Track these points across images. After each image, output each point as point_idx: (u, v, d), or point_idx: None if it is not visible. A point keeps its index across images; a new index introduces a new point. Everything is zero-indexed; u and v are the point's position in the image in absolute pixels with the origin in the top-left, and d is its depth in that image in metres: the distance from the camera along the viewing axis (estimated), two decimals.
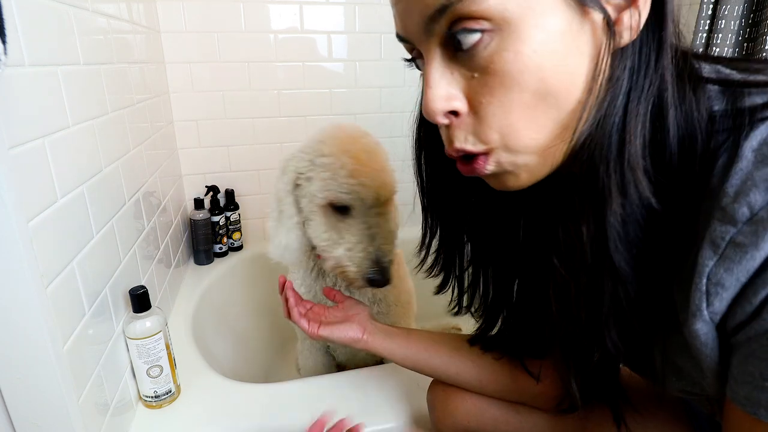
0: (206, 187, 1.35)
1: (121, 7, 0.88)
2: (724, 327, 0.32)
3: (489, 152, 0.36)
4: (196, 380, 0.85)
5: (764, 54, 0.98)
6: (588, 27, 0.33)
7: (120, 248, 0.76)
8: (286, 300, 0.72)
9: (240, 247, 1.42)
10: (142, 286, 0.74)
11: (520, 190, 0.40)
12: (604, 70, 0.33)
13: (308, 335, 0.68)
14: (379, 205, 0.74)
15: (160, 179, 1.07)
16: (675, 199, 0.34)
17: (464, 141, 0.36)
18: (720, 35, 1.03)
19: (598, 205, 0.35)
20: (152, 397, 0.76)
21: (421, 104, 0.38)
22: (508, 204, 0.51)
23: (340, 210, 0.73)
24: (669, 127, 0.34)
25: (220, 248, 1.36)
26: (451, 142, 0.37)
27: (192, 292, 1.17)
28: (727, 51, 1.03)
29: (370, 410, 0.77)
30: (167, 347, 0.77)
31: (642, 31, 0.33)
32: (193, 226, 1.29)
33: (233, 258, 1.38)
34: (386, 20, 1.42)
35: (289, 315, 0.71)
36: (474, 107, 0.35)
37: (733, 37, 1.02)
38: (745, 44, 1.03)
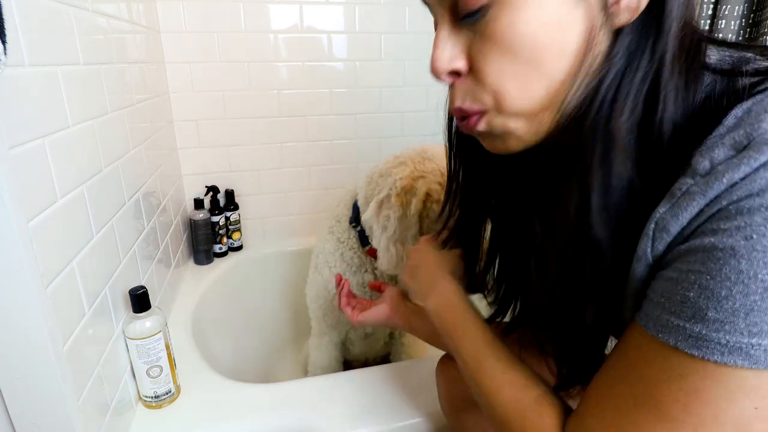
0: (206, 187, 1.35)
1: (120, 7, 0.88)
2: (659, 265, 0.34)
3: (483, 113, 0.40)
4: (196, 380, 0.85)
5: None
6: (583, 4, 0.34)
7: (120, 248, 0.76)
8: (342, 294, 0.86)
9: (240, 247, 1.42)
10: (142, 286, 0.74)
11: (527, 165, 0.44)
12: (596, 47, 0.35)
13: (351, 321, 0.81)
14: None
15: (160, 179, 1.07)
16: (661, 177, 0.35)
17: (462, 100, 0.40)
18: (720, 35, 1.03)
19: (581, 176, 0.37)
20: (152, 397, 0.76)
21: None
22: (519, 182, 0.52)
23: None
24: (660, 109, 0.35)
25: (220, 248, 1.36)
26: (452, 101, 0.41)
27: (192, 292, 1.17)
28: None
29: (370, 410, 0.77)
30: (167, 347, 0.77)
31: (642, 13, 0.34)
32: (193, 226, 1.29)
33: (233, 258, 1.38)
34: (386, 20, 1.43)
35: (340, 304, 0.86)
36: (473, 69, 0.38)
37: (734, 37, 1.02)
38: None
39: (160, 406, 0.78)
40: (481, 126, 0.40)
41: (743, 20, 1.01)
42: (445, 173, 0.76)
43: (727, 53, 0.37)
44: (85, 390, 0.60)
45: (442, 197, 0.76)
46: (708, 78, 0.36)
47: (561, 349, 0.49)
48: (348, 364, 1.19)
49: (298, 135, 1.41)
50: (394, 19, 1.38)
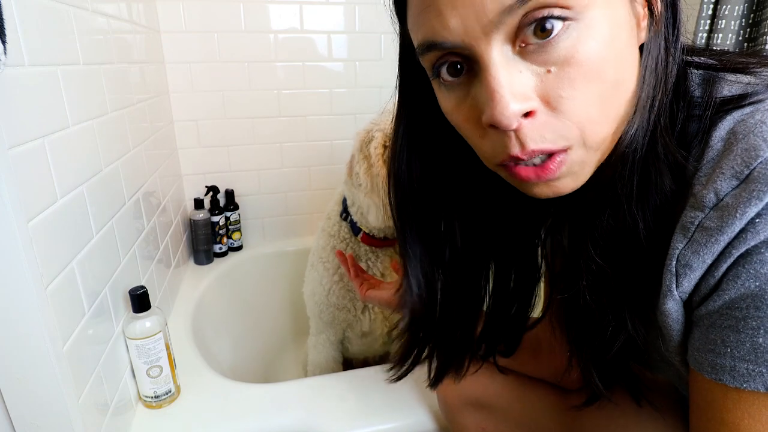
0: (206, 187, 1.35)
1: (120, 7, 0.88)
2: (690, 303, 0.35)
3: (567, 150, 0.34)
4: (196, 380, 0.85)
5: (764, 54, 0.98)
6: (631, 14, 0.33)
7: (120, 248, 0.76)
8: (349, 265, 0.85)
9: (240, 247, 1.42)
10: (142, 286, 0.74)
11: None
12: (647, 60, 0.34)
13: (359, 294, 0.80)
14: None
15: (160, 179, 1.07)
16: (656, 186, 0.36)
17: (541, 141, 0.33)
18: (720, 35, 1.03)
19: (638, 197, 0.36)
20: (152, 397, 0.76)
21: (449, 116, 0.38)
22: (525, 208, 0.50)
23: None
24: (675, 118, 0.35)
25: (220, 248, 1.36)
26: (522, 145, 0.33)
27: (192, 292, 1.17)
28: None
29: (370, 410, 0.77)
30: (167, 347, 0.77)
31: (662, 26, 0.34)
32: (193, 226, 1.29)
33: (233, 258, 1.38)
34: (386, 20, 1.42)
35: (350, 274, 0.85)
36: (551, 104, 0.32)
37: (733, 37, 1.02)
38: (746, 44, 1.03)
39: (160, 406, 0.78)
40: (565, 168, 0.34)
41: (743, 20, 1.01)
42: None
43: (708, 61, 0.38)
44: (85, 390, 0.60)
45: None
46: (691, 81, 0.37)
47: (594, 364, 0.47)
48: (348, 363, 1.19)
49: (298, 135, 1.41)
50: (394, 19, 1.38)
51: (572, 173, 0.35)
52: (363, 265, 0.97)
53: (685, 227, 0.33)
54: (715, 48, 0.38)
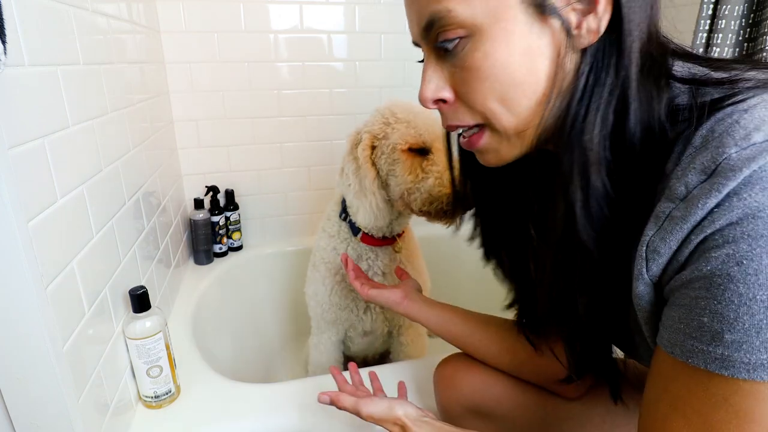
0: (206, 187, 1.35)
1: (121, 7, 0.88)
2: (660, 287, 0.37)
3: (482, 129, 0.45)
4: (196, 380, 0.85)
5: (764, 54, 0.98)
6: (548, 31, 0.38)
7: (120, 248, 0.76)
8: (349, 268, 0.86)
9: (240, 247, 1.42)
10: (142, 286, 0.74)
11: (520, 175, 0.49)
12: (565, 67, 0.39)
13: (360, 294, 0.81)
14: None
15: (160, 179, 1.06)
16: (636, 182, 0.39)
17: (453, 119, 0.45)
18: (720, 35, 1.03)
19: (565, 186, 0.41)
20: (152, 397, 0.76)
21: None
22: (519, 189, 0.56)
23: (419, 152, 0.84)
24: (630, 120, 0.38)
25: (220, 248, 1.36)
26: (444, 121, 0.47)
27: (192, 292, 1.17)
28: (727, 51, 1.03)
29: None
30: (167, 347, 0.77)
31: (604, 34, 0.38)
32: (193, 226, 1.29)
33: (233, 258, 1.38)
34: (386, 20, 1.43)
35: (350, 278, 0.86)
36: (459, 96, 0.44)
37: (734, 37, 1.02)
38: (746, 44, 1.03)
39: (160, 406, 0.78)
40: (481, 143, 0.45)
41: (743, 20, 1.01)
42: (387, 116, 0.86)
43: (694, 69, 0.40)
44: (85, 390, 0.60)
45: (385, 133, 0.86)
46: (675, 90, 0.39)
47: (568, 343, 0.53)
48: (349, 361, 1.19)
49: (298, 135, 1.41)
50: (394, 19, 1.38)
51: (493, 150, 0.45)
52: (364, 265, 0.98)
53: (657, 216, 0.36)
54: (698, 53, 0.42)
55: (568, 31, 0.38)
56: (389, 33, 1.39)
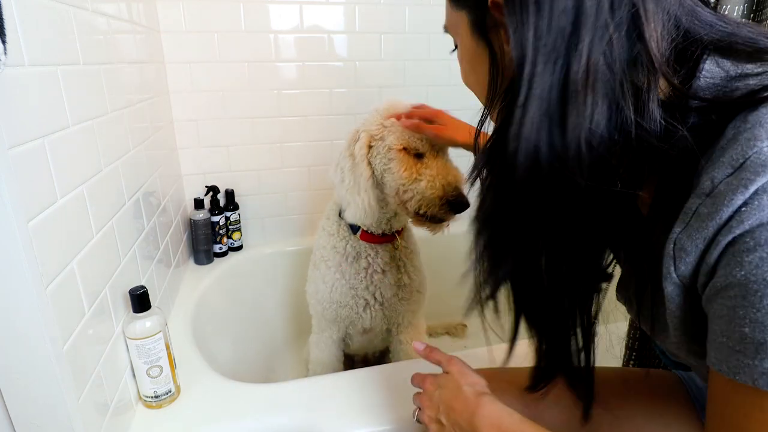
0: (206, 187, 1.35)
1: (121, 7, 0.88)
2: (695, 289, 0.35)
3: None
4: (196, 380, 0.85)
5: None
6: (483, 42, 0.43)
7: (120, 248, 0.76)
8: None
9: (240, 247, 1.42)
10: (142, 286, 0.74)
11: None
12: (499, 80, 0.42)
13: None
14: (444, 151, 0.89)
15: (160, 179, 1.06)
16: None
17: None
18: None
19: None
20: (152, 397, 0.76)
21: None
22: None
23: (414, 155, 0.86)
24: (572, 126, 0.36)
25: (220, 248, 1.36)
26: None
27: (192, 292, 1.17)
28: None
29: (370, 410, 0.77)
30: (167, 347, 0.77)
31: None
32: (193, 226, 1.29)
33: (233, 258, 1.38)
34: (386, 20, 1.43)
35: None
36: None
37: None
38: None
39: (160, 406, 0.78)
40: None
41: (743, 20, 1.01)
42: (384, 115, 0.88)
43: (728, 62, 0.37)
44: (85, 390, 0.60)
45: (382, 135, 0.87)
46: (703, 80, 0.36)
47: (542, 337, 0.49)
48: (349, 359, 1.20)
49: (298, 135, 1.41)
50: (394, 19, 1.38)
51: None
52: (363, 262, 0.98)
53: (685, 213, 0.34)
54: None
55: (493, 57, 0.43)
56: (389, 33, 1.39)
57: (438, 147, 0.88)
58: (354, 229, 0.97)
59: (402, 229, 1.00)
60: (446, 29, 0.51)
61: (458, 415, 0.52)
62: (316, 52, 1.36)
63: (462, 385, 0.54)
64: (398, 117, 0.88)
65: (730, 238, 0.31)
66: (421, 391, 0.61)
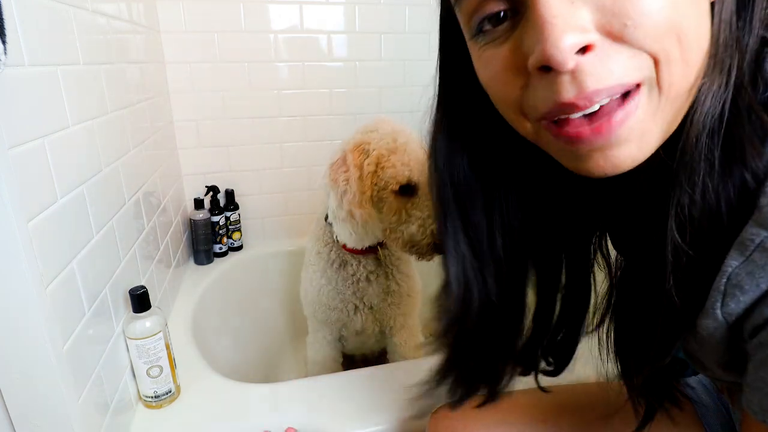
0: (206, 187, 1.35)
1: (121, 7, 0.88)
2: (740, 329, 0.31)
3: (634, 92, 0.29)
4: (196, 380, 0.85)
5: None
6: None
7: (120, 248, 0.76)
8: None
9: (240, 247, 1.42)
10: (142, 286, 0.74)
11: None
12: (721, 19, 0.29)
13: None
14: None
15: (160, 179, 1.06)
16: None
17: (606, 77, 0.28)
18: None
19: (716, 171, 0.31)
20: (152, 397, 0.76)
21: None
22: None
23: (406, 191, 0.82)
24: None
25: (220, 248, 1.36)
26: (580, 86, 0.28)
27: (192, 292, 1.17)
28: None
29: (370, 410, 0.77)
30: (167, 347, 0.77)
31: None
32: (193, 226, 1.29)
33: (233, 258, 1.38)
34: (386, 20, 1.43)
35: None
36: (614, 33, 0.27)
37: None
38: None
39: (160, 406, 0.78)
40: (632, 116, 0.29)
41: None
42: (397, 138, 0.81)
43: None
44: (85, 390, 0.60)
45: (390, 162, 0.81)
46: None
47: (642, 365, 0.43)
48: (349, 358, 1.20)
49: (298, 135, 1.41)
50: (394, 19, 1.38)
51: (637, 135, 0.29)
52: (349, 269, 0.97)
53: (743, 244, 0.29)
54: None
55: None
56: (389, 33, 1.39)
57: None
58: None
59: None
60: None
61: None
62: (316, 52, 1.36)
63: None
64: None
65: None
66: None
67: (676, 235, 0.32)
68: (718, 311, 0.31)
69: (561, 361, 0.55)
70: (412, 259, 0.89)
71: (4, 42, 0.43)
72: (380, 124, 0.88)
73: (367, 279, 0.98)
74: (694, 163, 0.30)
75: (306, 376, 1.13)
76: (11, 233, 0.46)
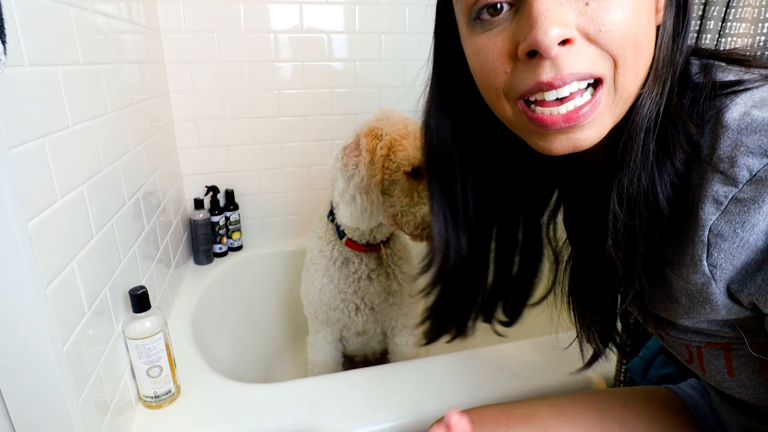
0: (206, 187, 1.35)
1: (120, 7, 0.88)
2: (721, 278, 0.36)
3: (598, 86, 0.37)
4: (196, 380, 0.85)
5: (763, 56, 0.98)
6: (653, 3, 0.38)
7: (120, 248, 0.76)
8: None
9: (240, 247, 1.42)
10: (142, 286, 0.74)
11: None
12: (662, 40, 0.39)
13: None
14: None
15: (159, 179, 1.06)
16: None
17: (576, 65, 0.36)
18: (708, 36, 1.03)
19: (650, 161, 0.39)
20: (152, 397, 0.76)
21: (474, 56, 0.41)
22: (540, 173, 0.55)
23: (418, 174, 0.82)
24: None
25: (220, 248, 1.36)
26: (557, 70, 0.36)
27: (192, 292, 1.17)
28: None
29: (370, 410, 0.77)
30: (167, 347, 0.77)
31: (672, 14, 0.39)
32: (192, 226, 1.29)
33: (233, 258, 1.38)
34: (386, 20, 1.43)
35: None
36: (590, 35, 0.35)
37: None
38: None
39: (160, 406, 0.78)
40: (598, 106, 0.37)
41: None
42: (408, 125, 0.86)
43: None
44: (85, 390, 0.60)
45: (402, 146, 0.83)
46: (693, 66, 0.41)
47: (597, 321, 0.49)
48: (350, 360, 1.20)
49: (298, 135, 1.41)
50: (394, 19, 1.38)
51: (597, 123, 0.38)
52: (351, 267, 0.97)
53: (717, 201, 0.35)
54: (718, 49, 0.45)
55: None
56: (389, 33, 1.40)
57: None
58: (340, 234, 0.96)
59: (388, 238, 0.99)
60: None
61: None
62: (316, 52, 1.36)
63: None
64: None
65: None
66: None
67: (616, 206, 0.40)
68: (705, 263, 0.36)
69: (514, 313, 0.64)
70: (418, 255, 0.90)
71: (4, 42, 0.43)
72: (390, 114, 0.89)
73: (369, 277, 0.98)
74: (634, 153, 0.39)
75: (305, 376, 1.13)
76: (11, 233, 0.46)
